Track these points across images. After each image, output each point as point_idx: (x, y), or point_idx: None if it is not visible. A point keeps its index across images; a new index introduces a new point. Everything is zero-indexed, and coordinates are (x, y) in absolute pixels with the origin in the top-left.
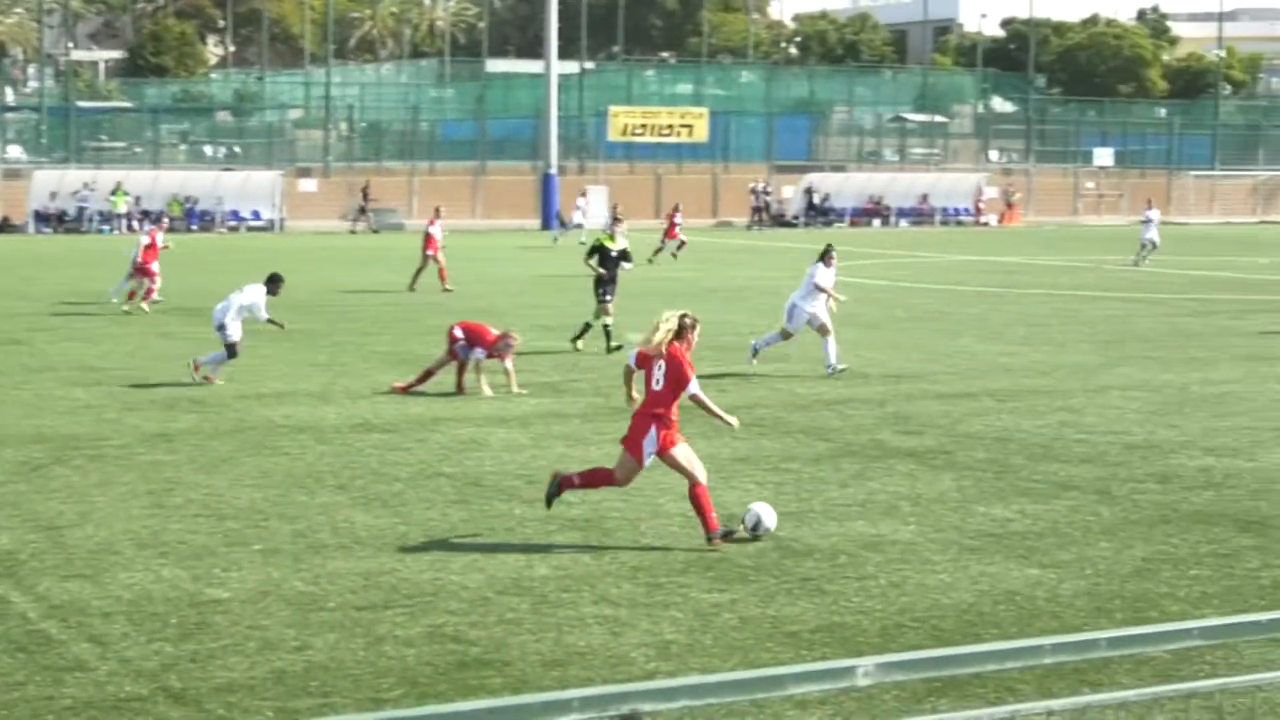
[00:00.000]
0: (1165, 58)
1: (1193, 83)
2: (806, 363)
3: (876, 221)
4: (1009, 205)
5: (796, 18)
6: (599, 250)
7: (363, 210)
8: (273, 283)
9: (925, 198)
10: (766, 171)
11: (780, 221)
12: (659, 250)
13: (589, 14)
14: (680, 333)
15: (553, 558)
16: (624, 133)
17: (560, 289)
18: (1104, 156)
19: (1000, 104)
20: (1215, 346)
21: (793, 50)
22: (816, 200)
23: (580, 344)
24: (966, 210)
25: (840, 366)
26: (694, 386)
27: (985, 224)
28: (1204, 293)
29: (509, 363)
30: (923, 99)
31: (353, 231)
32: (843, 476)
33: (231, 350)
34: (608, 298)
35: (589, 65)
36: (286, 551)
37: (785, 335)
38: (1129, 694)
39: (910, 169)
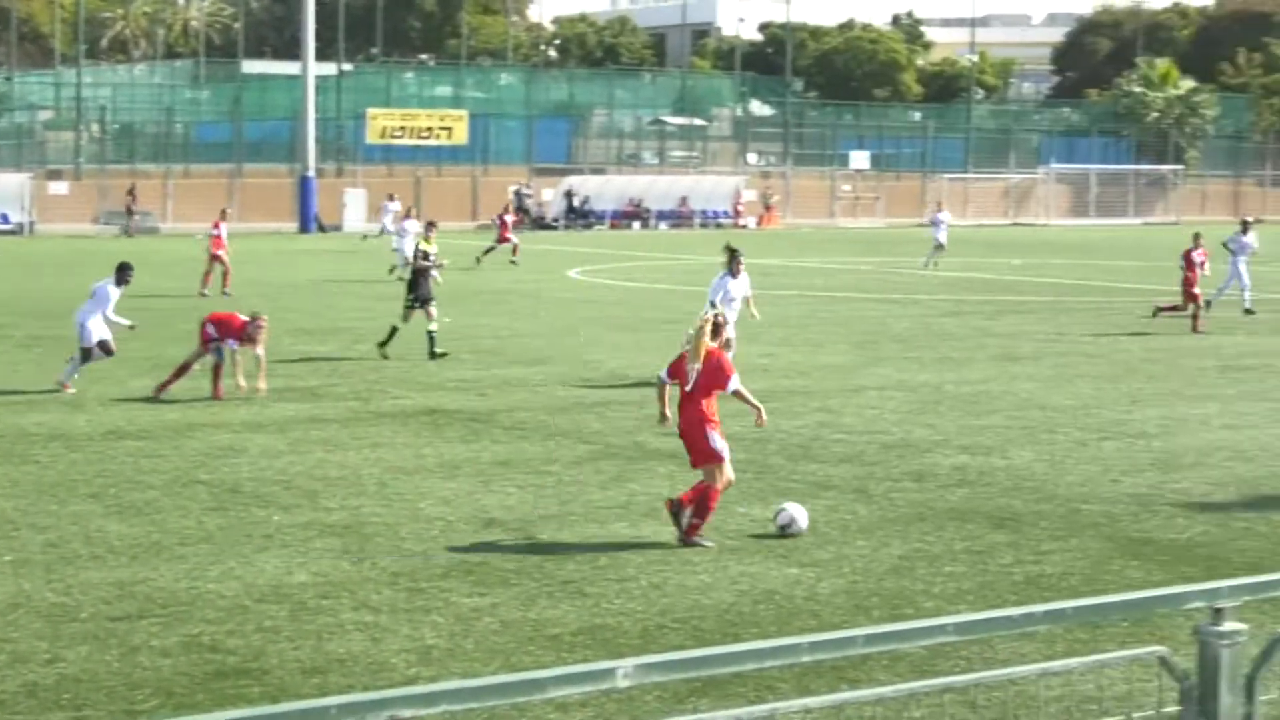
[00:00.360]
0: (920, 62)
1: (946, 87)
2: (568, 364)
3: (636, 224)
4: (767, 208)
5: (556, 20)
6: (422, 255)
7: (129, 212)
8: (121, 272)
9: (685, 200)
10: (527, 174)
11: (540, 224)
12: (489, 251)
13: (347, 15)
14: (716, 332)
15: (312, 564)
16: (382, 135)
17: (319, 294)
18: (860, 160)
19: (758, 107)
20: (969, 347)
21: (552, 53)
22: (576, 203)
23: (387, 350)
24: (725, 213)
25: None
26: (735, 383)
27: (744, 226)
28: (959, 294)
29: (260, 350)
30: (682, 102)
31: (127, 235)
32: (603, 479)
33: (87, 354)
34: (418, 304)
35: (347, 67)
36: (38, 562)
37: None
38: (885, 690)
39: (670, 171)
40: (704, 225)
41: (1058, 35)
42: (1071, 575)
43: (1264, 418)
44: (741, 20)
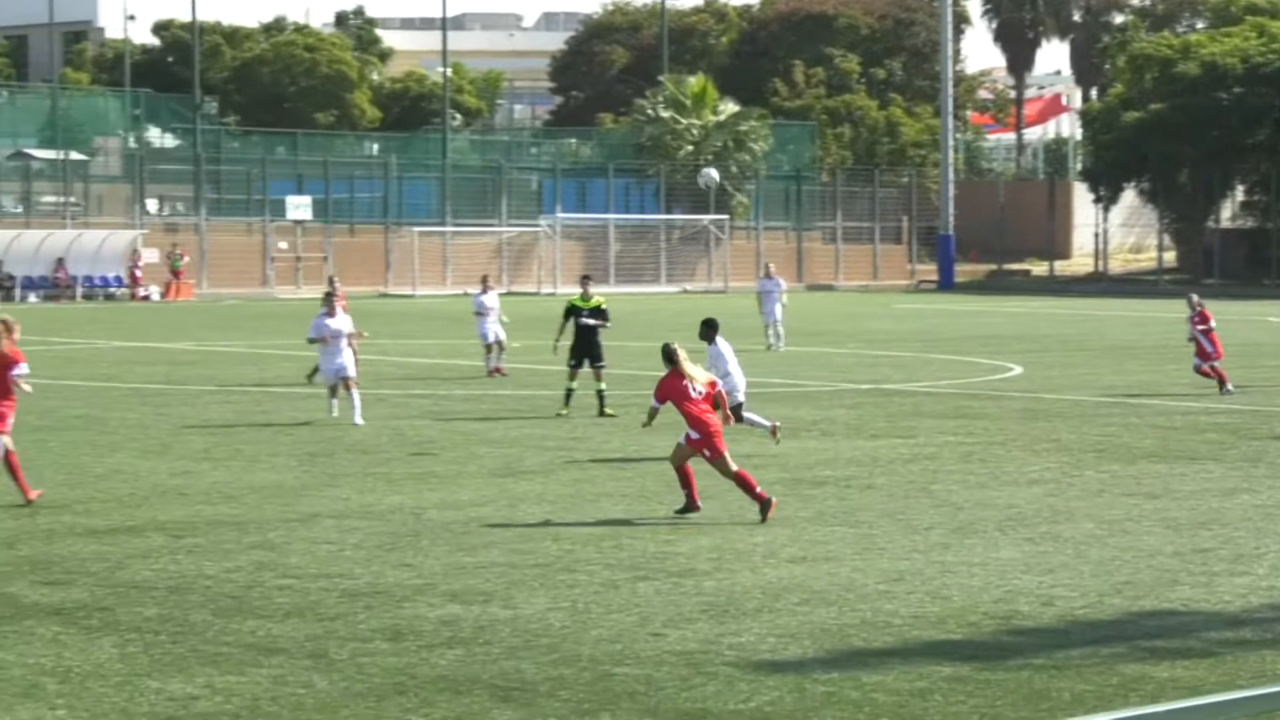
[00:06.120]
0: (375, 77)
1: (412, 110)
2: None
3: None
4: (175, 273)
5: None
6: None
7: None
8: None
9: (61, 263)
10: None
11: None
12: None
13: None
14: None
15: None
16: None
17: None
18: (300, 207)
19: (158, 136)
20: (457, 458)
21: None
22: None
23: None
24: (119, 280)
25: None
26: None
27: (145, 298)
28: (439, 386)
29: None
30: (52, 129)
31: None
32: None
33: None
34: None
35: None
36: None
37: None
38: None
39: (40, 224)
40: (89, 296)
41: (557, 42)
42: None
43: (846, 547)
44: (131, 18)
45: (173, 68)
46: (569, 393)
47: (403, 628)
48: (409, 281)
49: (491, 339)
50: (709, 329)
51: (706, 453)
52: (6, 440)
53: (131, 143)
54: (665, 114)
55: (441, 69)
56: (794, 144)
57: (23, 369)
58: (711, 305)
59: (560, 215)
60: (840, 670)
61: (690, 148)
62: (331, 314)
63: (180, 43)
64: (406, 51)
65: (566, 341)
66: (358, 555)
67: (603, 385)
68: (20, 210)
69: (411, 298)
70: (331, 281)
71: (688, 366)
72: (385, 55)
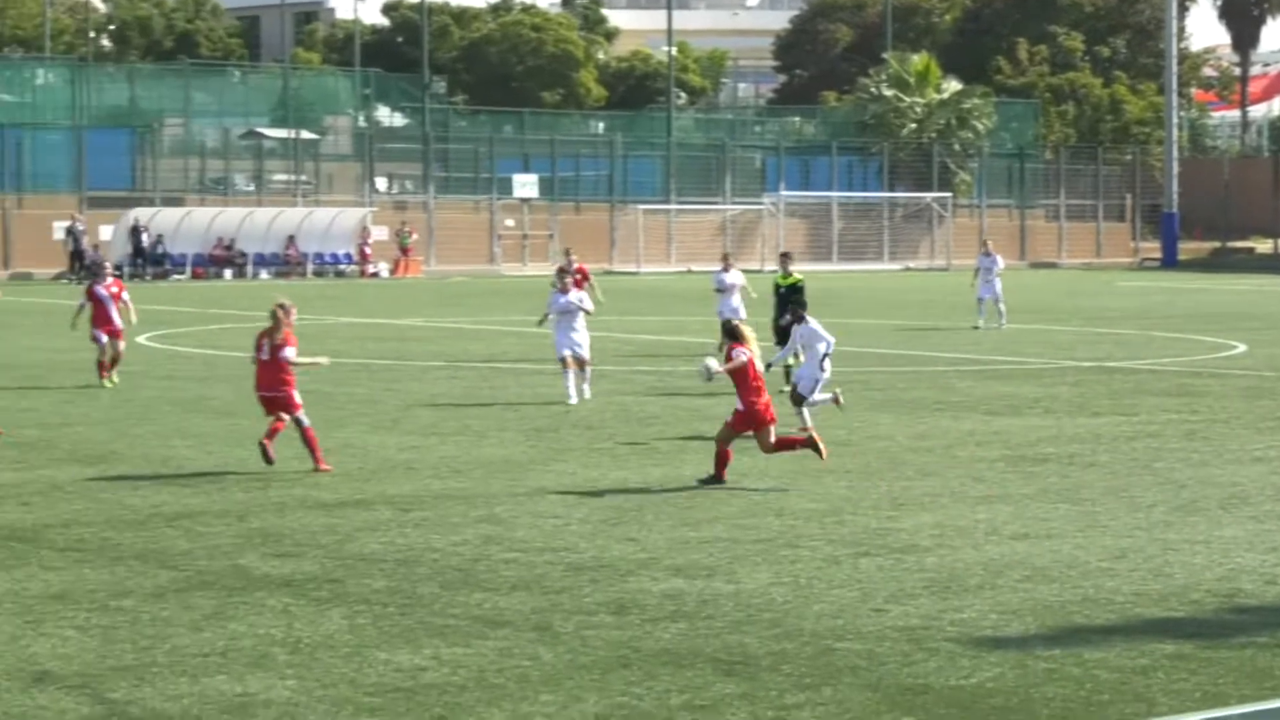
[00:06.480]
0: (601, 57)
1: (637, 89)
2: (141, 462)
3: (228, 272)
4: (404, 250)
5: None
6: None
7: None
8: None
9: (292, 240)
10: (78, 205)
11: (96, 272)
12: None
13: None
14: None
15: None
16: None
17: None
18: (527, 186)
19: (388, 115)
20: (678, 433)
21: (106, 42)
22: (146, 243)
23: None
24: (348, 257)
25: None
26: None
27: (374, 274)
28: (659, 364)
29: None
30: (284, 109)
31: None
32: (195, 616)
33: None
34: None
35: None
36: None
37: None
38: None
39: (271, 202)
40: (319, 274)
41: (781, 21)
42: None
43: (1068, 524)
44: (361, 0)
45: (402, 48)
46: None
47: (627, 601)
48: (634, 259)
49: (728, 317)
50: (799, 309)
51: (750, 429)
52: (302, 417)
53: (361, 122)
54: (889, 92)
55: (666, 48)
56: (1017, 122)
57: (288, 354)
58: (934, 283)
59: (784, 193)
60: (1062, 647)
61: (914, 125)
62: (565, 290)
63: (409, 23)
64: (632, 31)
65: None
66: (583, 529)
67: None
68: (252, 189)
69: (636, 275)
70: (567, 254)
71: (753, 345)
72: (611, 34)
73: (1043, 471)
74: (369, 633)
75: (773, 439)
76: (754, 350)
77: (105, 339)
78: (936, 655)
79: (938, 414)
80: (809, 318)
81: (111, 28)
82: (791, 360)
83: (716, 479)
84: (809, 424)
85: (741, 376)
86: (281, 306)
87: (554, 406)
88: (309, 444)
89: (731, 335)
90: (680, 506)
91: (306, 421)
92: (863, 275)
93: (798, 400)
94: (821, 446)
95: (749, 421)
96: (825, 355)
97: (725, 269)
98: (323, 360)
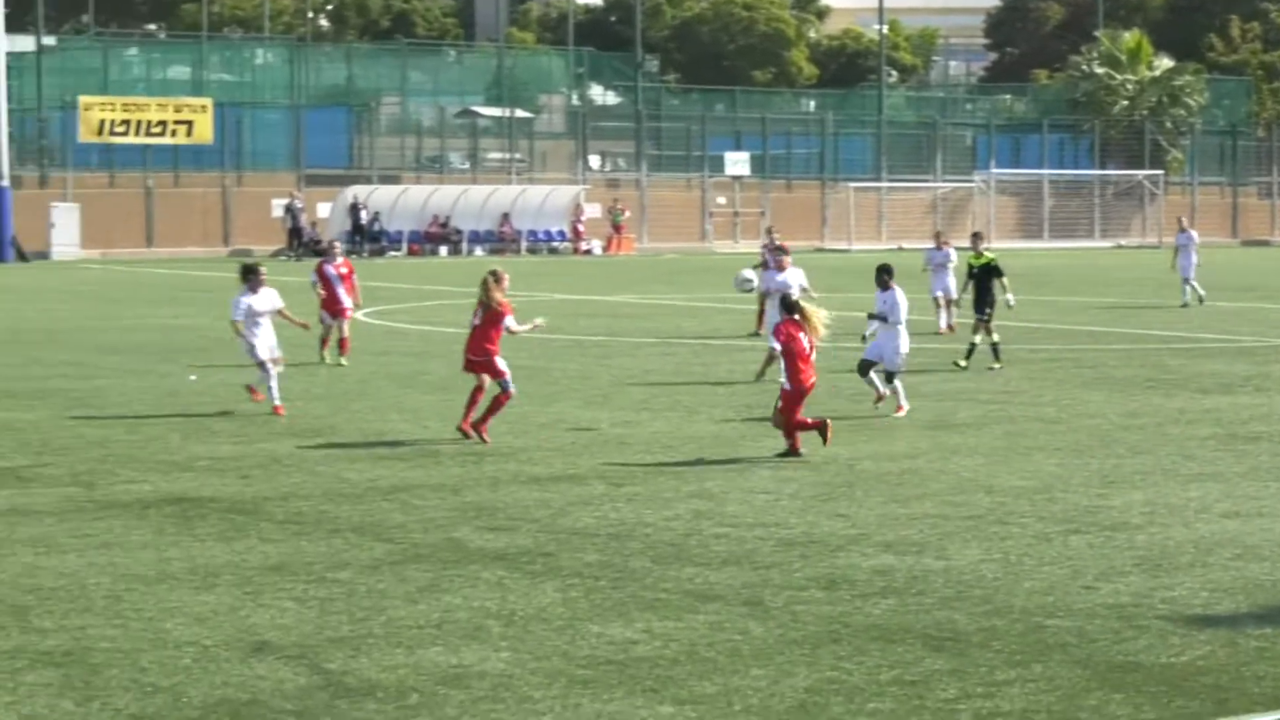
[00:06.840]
0: (813, 35)
1: (849, 68)
2: (358, 436)
3: (443, 249)
4: (617, 227)
5: None
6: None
7: None
8: None
9: (506, 218)
10: (296, 183)
11: (316, 249)
12: None
13: None
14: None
15: (22, 705)
16: (100, 132)
17: (20, 342)
18: (738, 163)
19: (601, 94)
20: (887, 409)
21: (324, 22)
22: (363, 221)
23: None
24: (562, 234)
25: None
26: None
27: (587, 251)
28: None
29: None
30: (498, 88)
31: None
32: (410, 589)
33: None
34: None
35: (49, 41)
36: None
37: None
38: None
39: (486, 180)
40: (533, 250)
41: (992, 0)
42: (1035, 713)
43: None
44: None
45: (615, 27)
46: (970, 347)
47: (837, 577)
48: (845, 236)
49: (939, 293)
50: (884, 274)
51: (780, 402)
52: (508, 382)
53: (575, 100)
54: (1100, 70)
55: (878, 26)
56: (1229, 99)
57: (509, 322)
58: (1145, 260)
59: (994, 171)
60: (1274, 625)
61: (1125, 103)
62: (777, 269)
63: (622, 2)
64: (843, 9)
65: (968, 296)
66: (793, 505)
67: (994, 338)
68: (467, 166)
69: (847, 252)
70: (769, 234)
71: (815, 320)
72: (822, 13)
73: (1254, 450)
74: (581, 605)
75: (795, 415)
76: (817, 326)
77: (331, 320)
78: (1147, 633)
79: (1149, 391)
80: (895, 286)
81: (329, 7)
82: (868, 333)
83: (792, 451)
84: (902, 400)
85: (790, 357)
86: (493, 273)
87: (767, 384)
88: (492, 408)
89: (790, 310)
90: (890, 483)
91: (513, 389)
92: (1074, 253)
93: (888, 377)
94: (829, 433)
95: (798, 398)
96: (899, 325)
97: (939, 247)
98: (540, 321)
